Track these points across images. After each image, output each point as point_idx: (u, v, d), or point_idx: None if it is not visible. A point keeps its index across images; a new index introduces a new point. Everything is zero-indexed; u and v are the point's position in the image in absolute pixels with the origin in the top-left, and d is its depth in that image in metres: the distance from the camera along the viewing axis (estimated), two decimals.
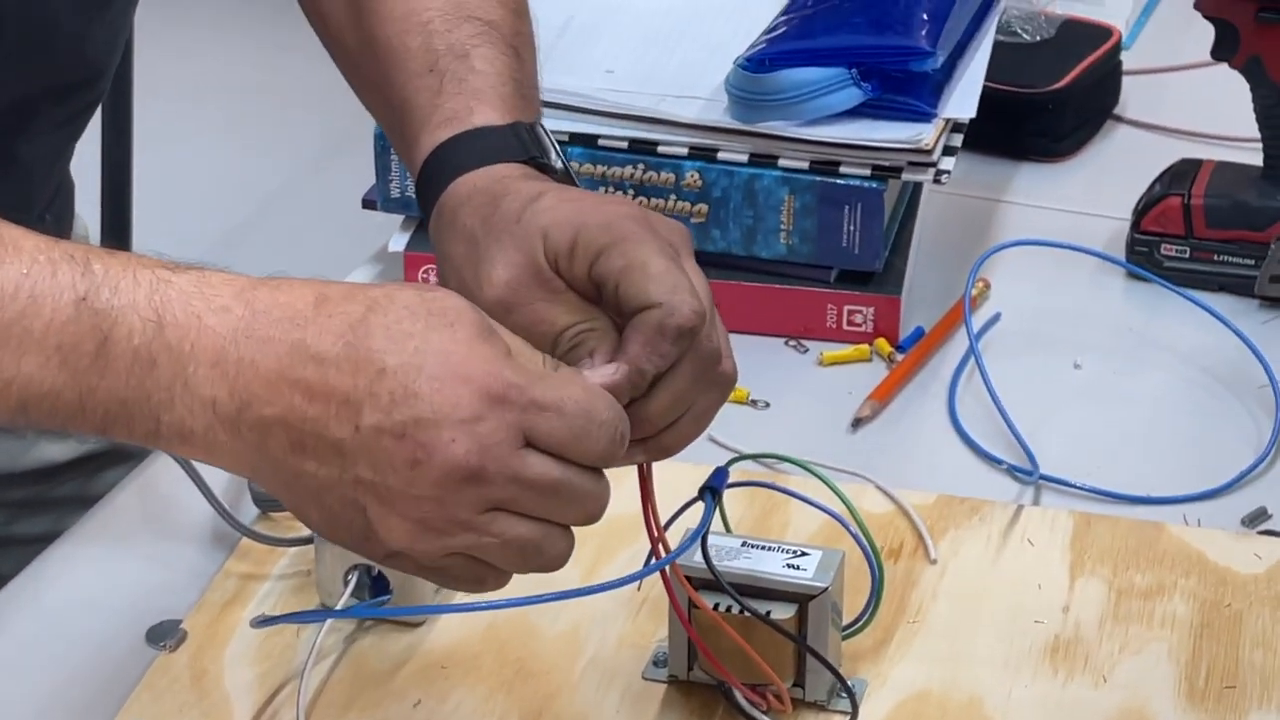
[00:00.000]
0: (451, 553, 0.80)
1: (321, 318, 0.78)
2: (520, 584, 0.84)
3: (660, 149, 1.26)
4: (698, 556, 0.94)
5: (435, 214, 0.93)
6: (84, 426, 0.80)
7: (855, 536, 0.95)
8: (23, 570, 1.07)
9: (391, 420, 0.77)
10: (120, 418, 0.79)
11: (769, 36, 1.27)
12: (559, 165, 0.95)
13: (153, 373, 0.78)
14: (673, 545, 0.89)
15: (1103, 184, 1.46)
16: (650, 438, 0.86)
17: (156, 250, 0.84)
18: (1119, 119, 1.54)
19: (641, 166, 1.26)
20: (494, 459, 0.78)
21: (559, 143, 1.20)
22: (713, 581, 0.93)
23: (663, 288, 0.84)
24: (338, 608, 0.98)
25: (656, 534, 0.89)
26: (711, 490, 0.91)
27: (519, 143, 0.94)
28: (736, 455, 1.00)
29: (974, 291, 1.29)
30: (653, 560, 0.90)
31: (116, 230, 1.53)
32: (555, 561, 0.81)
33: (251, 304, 0.79)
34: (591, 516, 0.82)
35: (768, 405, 1.21)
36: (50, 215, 1.15)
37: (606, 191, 1.27)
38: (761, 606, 0.93)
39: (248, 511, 1.09)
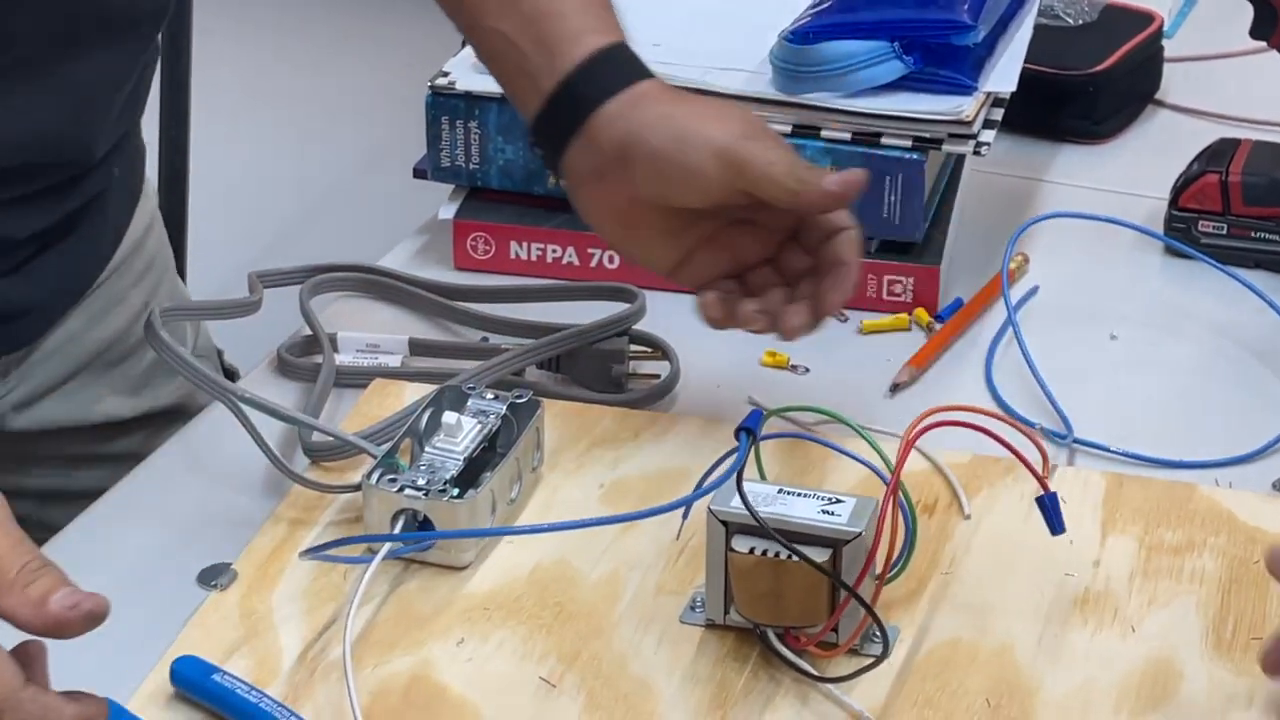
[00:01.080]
0: None
1: None
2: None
3: None
4: (734, 502, 0.96)
5: (638, 94, 1.09)
6: None
7: (886, 480, 0.97)
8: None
9: None
10: None
11: (814, 10, 1.30)
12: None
13: None
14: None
15: (1142, 166, 1.48)
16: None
17: None
18: (1160, 103, 1.56)
19: None
20: None
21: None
22: (749, 525, 0.96)
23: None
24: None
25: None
26: (746, 430, 0.94)
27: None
28: (776, 409, 1.03)
29: (1013, 265, 1.32)
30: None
31: (173, 191, 1.57)
32: None
33: None
34: None
35: (808, 370, 1.24)
36: (119, 170, 1.18)
37: None
38: None
39: (299, 462, 1.12)
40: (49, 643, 0.86)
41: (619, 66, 1.10)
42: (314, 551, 1.00)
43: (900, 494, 0.97)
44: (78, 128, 1.09)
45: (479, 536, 1.03)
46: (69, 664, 0.99)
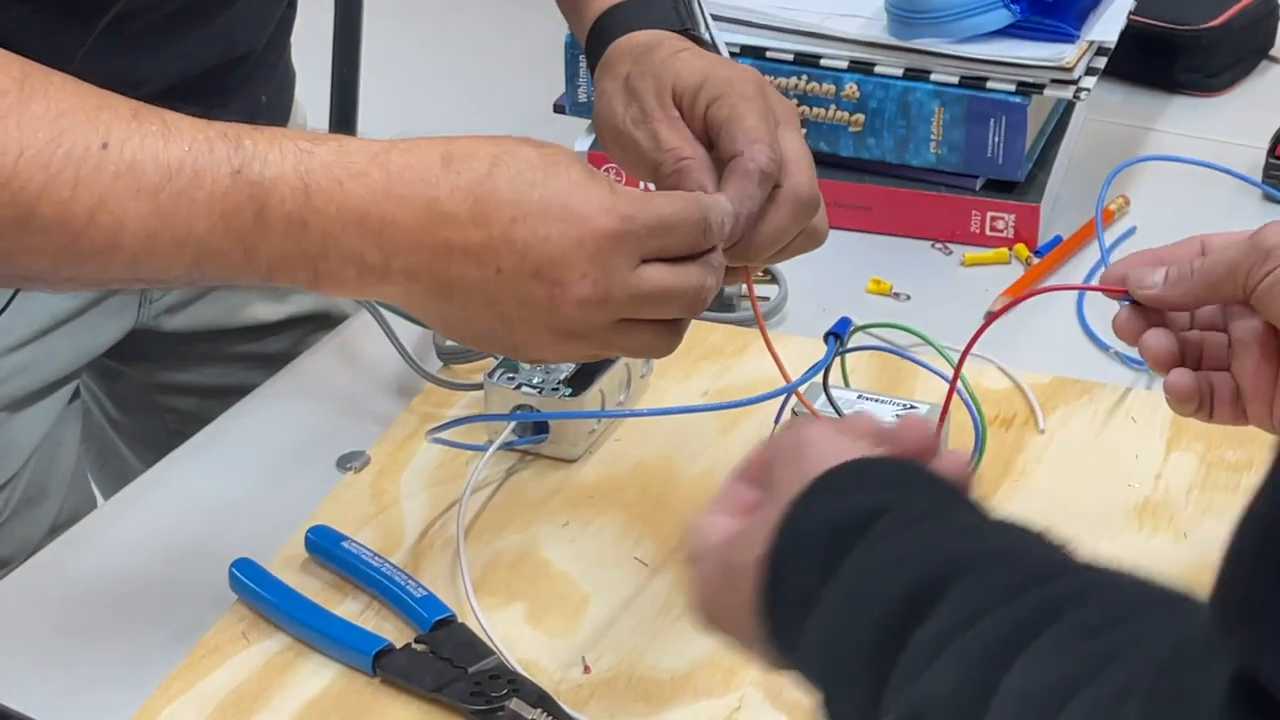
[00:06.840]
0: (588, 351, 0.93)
1: (450, 175, 0.89)
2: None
3: (822, 62, 1.37)
4: (819, 402, 1.06)
5: (602, 63, 1.06)
6: (251, 277, 0.90)
7: (959, 393, 1.06)
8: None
9: (527, 262, 0.88)
10: (282, 269, 0.89)
11: None
12: (707, 37, 1.07)
13: (305, 233, 0.88)
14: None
15: (1251, 119, 1.54)
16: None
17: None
18: (1275, 59, 1.62)
19: (805, 77, 1.38)
20: (617, 284, 0.89)
21: (732, 51, 1.33)
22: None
23: (747, 138, 0.96)
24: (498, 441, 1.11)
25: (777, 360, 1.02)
26: (835, 335, 1.03)
27: (676, 14, 1.07)
28: (863, 324, 1.12)
29: (1114, 207, 1.39)
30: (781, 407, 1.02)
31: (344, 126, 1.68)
32: (668, 352, 0.94)
33: (386, 167, 0.89)
34: (703, 304, 0.92)
35: (909, 298, 1.32)
36: (266, 96, 1.29)
37: None
38: None
39: (432, 364, 1.22)
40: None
41: (614, 24, 1.08)
42: (438, 430, 1.11)
43: (973, 405, 1.06)
44: (228, 63, 1.20)
45: (584, 418, 1.12)
46: (218, 532, 1.11)
